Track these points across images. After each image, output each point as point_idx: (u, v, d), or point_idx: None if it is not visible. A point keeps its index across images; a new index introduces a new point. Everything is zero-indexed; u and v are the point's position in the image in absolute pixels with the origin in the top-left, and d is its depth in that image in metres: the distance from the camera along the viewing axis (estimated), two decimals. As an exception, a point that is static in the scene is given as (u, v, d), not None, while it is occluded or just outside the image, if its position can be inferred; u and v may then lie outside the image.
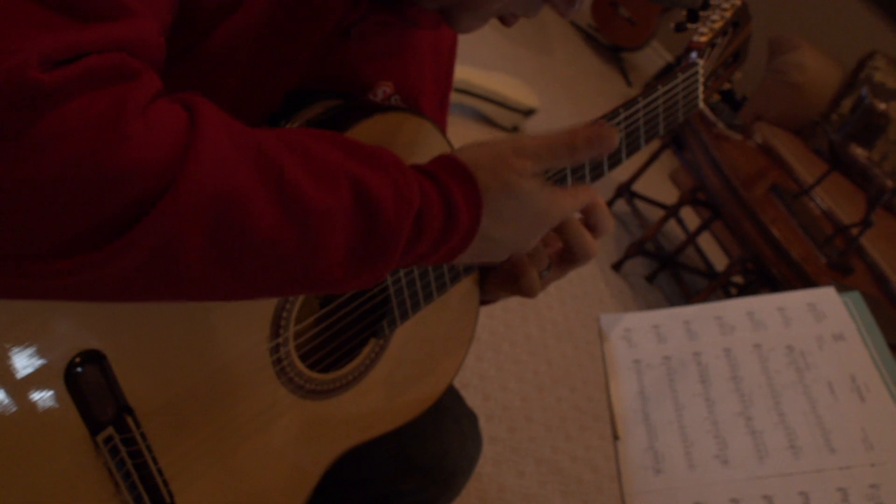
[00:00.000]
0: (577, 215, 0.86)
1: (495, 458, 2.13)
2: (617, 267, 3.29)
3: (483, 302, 1.00)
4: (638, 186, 3.65)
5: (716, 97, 1.11)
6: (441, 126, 1.02)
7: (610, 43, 5.27)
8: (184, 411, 0.70)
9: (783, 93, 3.79)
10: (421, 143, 0.82)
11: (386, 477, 0.96)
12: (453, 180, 0.67)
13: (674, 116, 1.02)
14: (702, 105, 1.06)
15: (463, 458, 1.01)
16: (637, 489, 1.01)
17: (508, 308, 2.66)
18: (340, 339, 0.84)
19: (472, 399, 2.25)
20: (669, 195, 3.92)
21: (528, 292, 0.87)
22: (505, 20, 0.81)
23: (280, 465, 0.81)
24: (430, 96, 0.96)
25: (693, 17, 1.05)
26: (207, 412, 0.72)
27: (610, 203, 3.67)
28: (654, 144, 3.59)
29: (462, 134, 3.26)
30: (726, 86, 1.13)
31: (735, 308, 1.16)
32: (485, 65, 3.85)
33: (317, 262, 0.58)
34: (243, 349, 0.72)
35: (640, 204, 3.69)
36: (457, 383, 2.22)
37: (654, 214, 3.66)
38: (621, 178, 3.68)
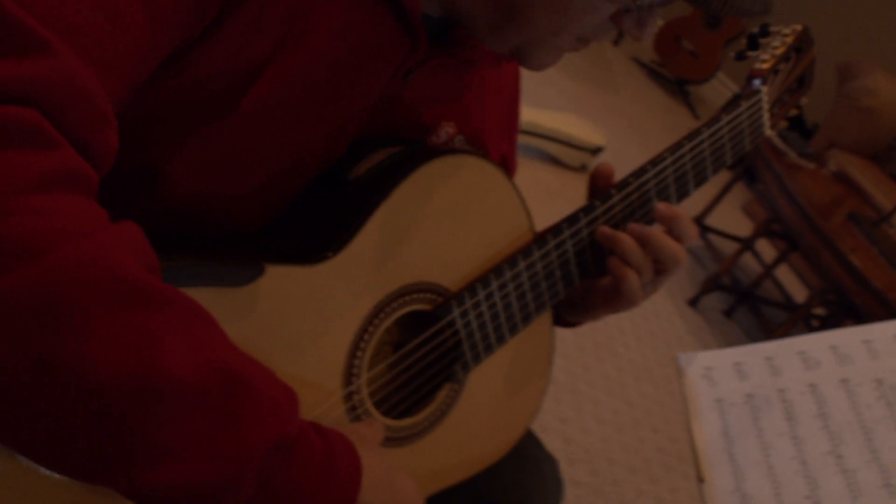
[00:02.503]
0: (660, 228, 0.89)
1: (578, 502, 2.09)
2: (693, 303, 3.23)
3: (574, 323, 1.00)
4: (710, 220, 3.59)
5: (783, 123, 1.09)
6: (510, 164, 1.02)
7: (675, 77, 5.24)
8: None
9: (856, 118, 3.71)
10: (480, 184, 0.82)
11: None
12: None
13: (740, 145, 1.00)
14: (768, 132, 1.04)
15: (543, 504, 0.99)
16: (725, 533, 0.98)
17: (584, 349, 2.63)
18: (414, 384, 0.83)
19: (552, 442, 2.22)
20: (743, 228, 3.84)
21: (631, 300, 0.89)
22: (575, 47, 0.81)
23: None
24: (495, 135, 0.97)
25: (753, 44, 1.04)
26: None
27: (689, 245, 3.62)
28: (725, 177, 3.54)
29: (531, 175, 3.27)
30: (793, 112, 1.11)
31: (818, 342, 1.13)
32: (550, 105, 3.86)
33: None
34: (317, 398, 0.72)
35: (713, 238, 3.63)
36: (536, 427, 2.19)
37: (729, 248, 3.59)
38: (693, 212, 3.62)
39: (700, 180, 0.99)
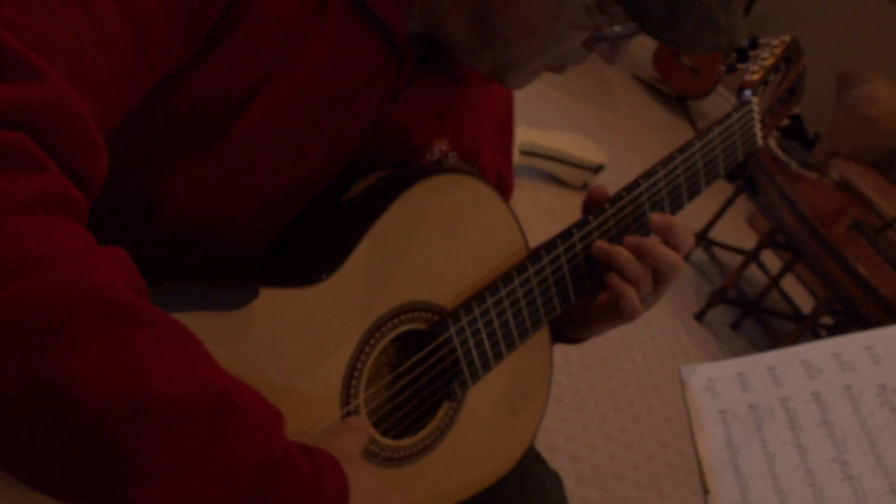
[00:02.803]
0: (657, 238, 0.90)
1: (588, 520, 2.09)
2: (699, 317, 3.22)
3: (578, 339, 1.00)
4: (714, 234, 3.59)
5: (776, 134, 1.10)
6: (506, 181, 1.03)
7: (675, 93, 5.25)
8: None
9: (857, 127, 3.71)
10: (472, 202, 0.83)
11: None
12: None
13: (733, 156, 1.01)
14: (761, 142, 1.05)
15: (549, 522, 0.99)
16: (732, 545, 0.97)
17: (590, 366, 2.63)
18: (412, 403, 0.83)
19: (559, 460, 2.21)
20: (748, 240, 3.84)
21: (631, 314, 0.89)
22: (555, 69, 0.82)
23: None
24: (490, 151, 0.97)
25: (743, 57, 1.05)
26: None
27: (687, 254, 3.61)
28: (727, 190, 3.54)
29: (533, 196, 3.27)
30: (785, 122, 1.12)
31: (820, 350, 1.13)
32: (549, 125, 3.87)
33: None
34: (315, 418, 0.73)
35: (718, 251, 3.62)
36: (543, 446, 2.19)
37: (734, 261, 3.59)
38: (697, 227, 3.62)
39: (694, 192, 0.99)
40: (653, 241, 0.88)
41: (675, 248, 0.90)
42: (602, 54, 0.77)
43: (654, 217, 0.90)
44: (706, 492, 1.02)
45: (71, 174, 0.52)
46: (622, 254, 0.87)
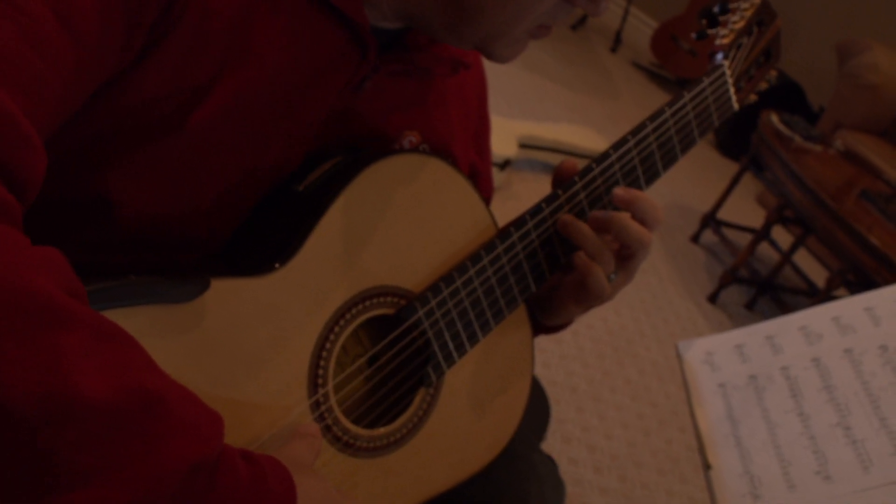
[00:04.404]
0: (626, 213, 0.87)
1: (608, 509, 2.06)
2: (713, 299, 3.18)
3: (557, 328, 0.98)
4: (723, 214, 3.55)
5: (753, 98, 1.07)
6: (482, 177, 1.01)
7: (675, 77, 5.22)
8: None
9: (860, 96, 3.66)
10: (434, 182, 0.81)
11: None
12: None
13: (708, 121, 0.99)
14: (736, 106, 1.02)
15: (543, 507, 0.96)
16: (735, 517, 0.95)
17: (604, 355, 2.60)
18: (385, 390, 0.81)
19: (577, 452, 2.18)
20: (758, 220, 3.80)
21: (599, 293, 0.86)
22: (538, 34, 0.80)
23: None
24: (462, 144, 0.95)
25: (713, 22, 1.03)
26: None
27: (696, 235, 3.58)
28: (732, 169, 3.50)
29: (536, 188, 3.25)
30: (763, 85, 1.09)
31: (819, 315, 1.10)
32: (551, 118, 3.85)
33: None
34: (283, 408, 0.71)
35: (728, 232, 3.58)
36: (559, 437, 2.17)
37: (745, 241, 3.55)
38: (704, 208, 3.58)
39: (668, 160, 0.97)
40: (619, 215, 0.86)
41: (641, 222, 0.86)
42: (583, 5, 0.75)
43: (617, 191, 0.87)
44: (707, 466, 1.00)
45: (1, 174, 0.50)
46: (580, 227, 0.85)
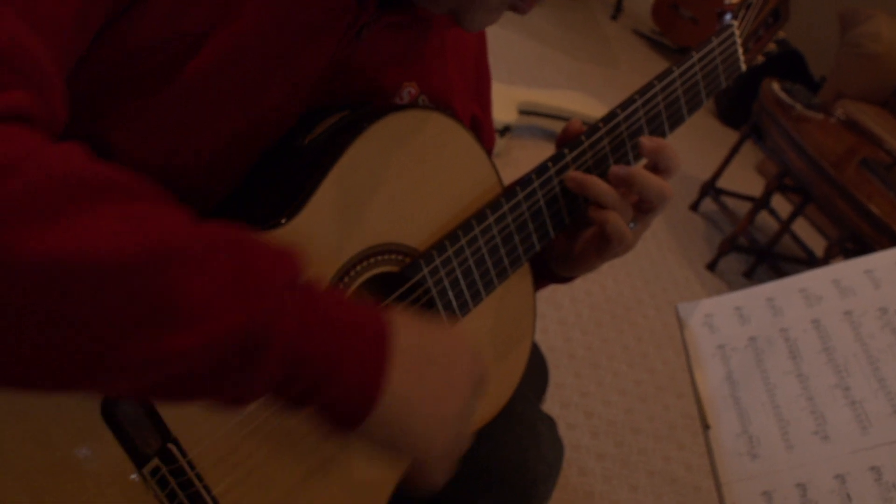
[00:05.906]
0: (643, 162, 0.89)
1: (605, 474, 2.07)
2: (712, 267, 3.19)
3: (569, 278, 0.98)
4: (723, 183, 3.55)
5: (760, 58, 1.07)
6: (484, 128, 1.01)
7: (676, 45, 5.19)
8: (233, 437, 0.69)
9: (862, 66, 3.65)
10: (441, 139, 0.81)
11: (462, 494, 0.93)
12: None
13: (716, 81, 0.98)
14: (744, 67, 1.02)
15: (542, 464, 0.97)
16: (733, 477, 0.96)
17: (602, 322, 2.61)
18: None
19: (574, 417, 2.20)
20: (758, 188, 3.80)
21: (620, 241, 0.86)
22: (518, 8, 0.79)
23: (346, 485, 0.79)
24: (462, 96, 0.95)
25: None
26: (258, 435, 0.71)
27: (696, 204, 3.58)
28: (732, 137, 3.49)
29: (537, 155, 3.24)
30: (771, 47, 1.09)
31: (819, 277, 1.11)
32: (551, 85, 3.83)
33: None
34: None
35: (727, 200, 3.58)
36: (557, 402, 2.18)
37: (744, 209, 3.55)
38: (704, 177, 3.58)
39: (675, 121, 0.97)
40: (638, 170, 0.86)
41: (665, 170, 0.88)
42: None
43: (644, 140, 0.88)
44: (706, 427, 1.00)
45: (25, 106, 0.52)
46: (595, 183, 0.85)
